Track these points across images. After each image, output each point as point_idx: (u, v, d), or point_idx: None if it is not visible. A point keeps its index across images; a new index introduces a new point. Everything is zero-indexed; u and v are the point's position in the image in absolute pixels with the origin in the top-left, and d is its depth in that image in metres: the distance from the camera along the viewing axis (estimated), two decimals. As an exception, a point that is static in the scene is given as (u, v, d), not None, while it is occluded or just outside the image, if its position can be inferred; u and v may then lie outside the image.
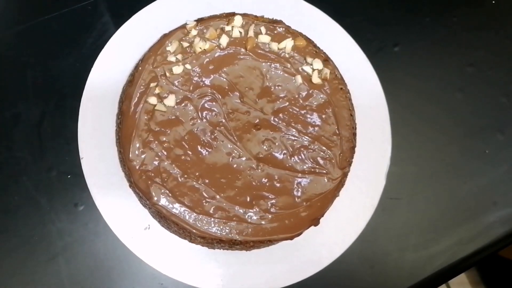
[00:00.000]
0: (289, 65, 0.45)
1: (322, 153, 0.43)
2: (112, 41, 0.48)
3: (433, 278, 0.47)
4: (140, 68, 0.44)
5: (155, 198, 0.41)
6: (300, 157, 0.43)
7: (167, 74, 0.43)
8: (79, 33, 0.50)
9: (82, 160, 0.45)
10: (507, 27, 0.55)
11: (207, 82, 0.44)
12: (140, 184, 0.41)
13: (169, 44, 0.44)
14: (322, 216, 0.43)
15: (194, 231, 0.41)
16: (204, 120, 0.43)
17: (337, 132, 0.44)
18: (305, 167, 0.43)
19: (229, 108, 0.44)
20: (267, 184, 0.42)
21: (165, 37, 0.45)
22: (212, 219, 0.41)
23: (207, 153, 0.43)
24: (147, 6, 0.49)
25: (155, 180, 0.41)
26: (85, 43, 0.50)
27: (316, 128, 0.43)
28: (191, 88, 0.44)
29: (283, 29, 0.46)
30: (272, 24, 0.46)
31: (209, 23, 0.45)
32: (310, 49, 0.46)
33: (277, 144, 0.44)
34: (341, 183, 0.44)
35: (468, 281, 1.00)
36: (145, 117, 0.43)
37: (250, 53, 0.45)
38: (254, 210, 0.41)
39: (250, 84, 0.45)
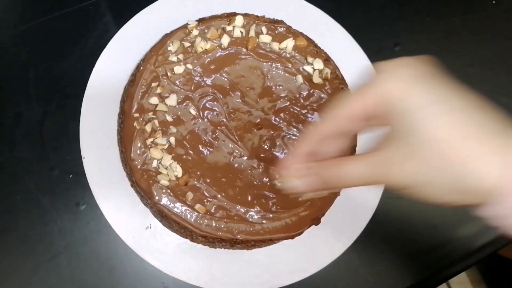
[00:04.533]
0: (290, 65, 0.45)
1: (323, 152, 0.44)
2: (114, 41, 0.48)
3: (434, 277, 0.47)
4: (141, 68, 0.44)
5: (157, 198, 0.41)
6: (301, 156, 0.43)
7: (169, 74, 0.44)
8: (81, 33, 0.50)
9: (84, 160, 0.45)
10: (507, 27, 0.55)
11: (209, 81, 0.44)
12: (142, 183, 0.41)
13: (171, 44, 0.44)
14: (323, 215, 0.43)
15: (195, 230, 0.41)
16: (205, 119, 0.44)
17: (338, 131, 0.44)
18: (306, 166, 0.43)
19: (230, 107, 0.44)
20: (268, 184, 0.42)
21: (167, 37, 0.45)
22: (213, 219, 0.41)
23: (208, 152, 0.43)
24: (148, 6, 0.49)
25: (156, 180, 0.41)
26: (87, 43, 0.50)
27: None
28: (192, 87, 0.44)
29: (284, 29, 0.46)
30: (273, 24, 0.46)
31: (210, 23, 0.45)
32: (311, 49, 0.46)
33: (278, 143, 0.44)
34: (342, 183, 0.44)
35: (469, 280, 1.00)
36: (147, 117, 0.43)
37: (251, 53, 0.45)
38: (255, 209, 0.41)
39: (251, 84, 0.45)
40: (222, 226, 0.41)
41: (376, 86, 0.28)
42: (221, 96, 0.44)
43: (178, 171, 0.41)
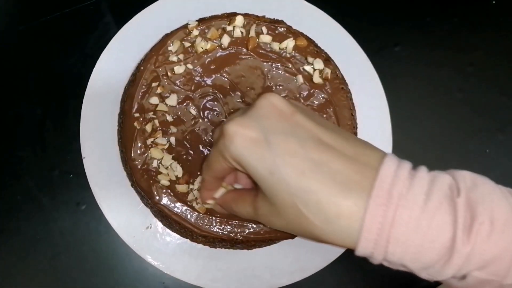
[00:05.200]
0: (290, 65, 0.45)
1: (323, 152, 0.44)
2: (114, 41, 0.48)
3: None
4: (142, 68, 0.44)
5: (157, 197, 0.41)
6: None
7: (169, 73, 0.44)
8: (81, 33, 0.50)
9: (84, 160, 0.45)
10: (507, 27, 0.56)
11: (209, 81, 0.44)
12: (142, 183, 0.41)
13: (171, 44, 0.44)
14: (323, 215, 0.43)
15: (195, 230, 0.41)
16: (206, 119, 0.44)
17: (338, 131, 0.44)
18: (306, 166, 0.43)
19: (230, 107, 0.44)
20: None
21: (167, 37, 0.45)
22: (214, 218, 0.41)
23: (208, 152, 0.43)
24: (148, 6, 0.49)
25: (156, 180, 0.41)
26: (87, 43, 0.50)
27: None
28: (192, 87, 0.44)
29: (284, 29, 0.46)
30: (273, 24, 0.46)
31: (211, 23, 0.45)
32: (311, 49, 0.46)
33: (278, 143, 0.44)
34: (342, 182, 0.44)
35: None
36: (147, 117, 0.43)
37: (252, 53, 0.45)
38: (256, 209, 0.41)
39: (252, 84, 0.45)
40: (223, 226, 0.41)
41: (224, 152, 0.29)
42: (222, 96, 0.44)
43: (179, 171, 0.41)
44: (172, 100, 0.43)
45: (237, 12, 0.46)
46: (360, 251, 0.26)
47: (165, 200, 0.41)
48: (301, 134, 0.27)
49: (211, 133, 0.43)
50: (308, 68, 0.45)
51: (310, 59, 0.45)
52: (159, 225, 0.45)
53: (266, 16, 0.47)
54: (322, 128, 0.28)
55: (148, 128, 0.42)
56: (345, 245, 0.27)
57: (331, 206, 0.25)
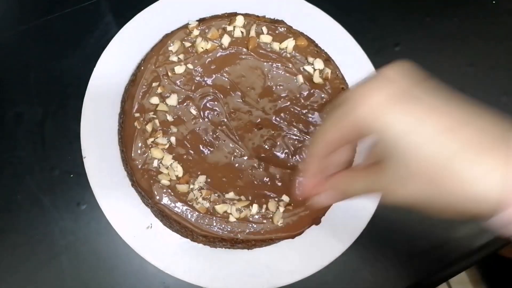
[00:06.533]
0: (290, 65, 0.45)
1: (323, 152, 0.44)
2: (114, 41, 0.48)
3: (434, 277, 0.47)
4: (142, 68, 0.44)
5: (157, 197, 0.41)
6: (301, 156, 0.44)
7: (169, 73, 0.44)
8: (82, 33, 0.50)
9: (85, 160, 0.45)
10: (508, 27, 0.56)
11: (209, 81, 0.44)
12: (142, 183, 0.41)
13: (171, 44, 0.44)
14: (324, 215, 0.43)
15: (196, 230, 0.41)
16: (206, 119, 0.44)
17: (338, 131, 0.44)
18: (306, 166, 0.43)
19: (230, 107, 0.44)
20: (269, 183, 0.43)
21: (167, 37, 0.45)
22: (214, 218, 0.41)
23: (209, 152, 0.43)
24: (149, 6, 0.49)
25: (157, 179, 0.41)
26: (88, 43, 0.50)
27: (318, 128, 0.44)
28: (193, 87, 0.44)
29: (285, 29, 0.46)
30: (273, 24, 0.46)
31: (211, 23, 0.45)
32: (312, 49, 0.46)
33: (278, 143, 0.44)
34: (342, 182, 0.44)
35: (469, 280, 1.00)
36: (147, 117, 0.43)
37: (252, 53, 0.45)
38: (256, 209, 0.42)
39: (252, 84, 0.45)
40: (223, 225, 0.41)
41: (350, 116, 0.28)
42: (222, 96, 0.44)
43: (179, 170, 0.42)
44: (173, 100, 0.43)
45: (238, 12, 0.46)
46: (498, 219, 0.25)
47: (165, 200, 0.41)
48: (432, 98, 0.27)
49: (211, 133, 0.43)
50: (308, 68, 0.45)
51: (310, 59, 0.45)
52: (159, 225, 0.45)
53: (266, 16, 0.47)
54: (452, 100, 0.27)
55: (149, 128, 0.42)
56: (480, 212, 0.25)
57: (467, 169, 0.25)
